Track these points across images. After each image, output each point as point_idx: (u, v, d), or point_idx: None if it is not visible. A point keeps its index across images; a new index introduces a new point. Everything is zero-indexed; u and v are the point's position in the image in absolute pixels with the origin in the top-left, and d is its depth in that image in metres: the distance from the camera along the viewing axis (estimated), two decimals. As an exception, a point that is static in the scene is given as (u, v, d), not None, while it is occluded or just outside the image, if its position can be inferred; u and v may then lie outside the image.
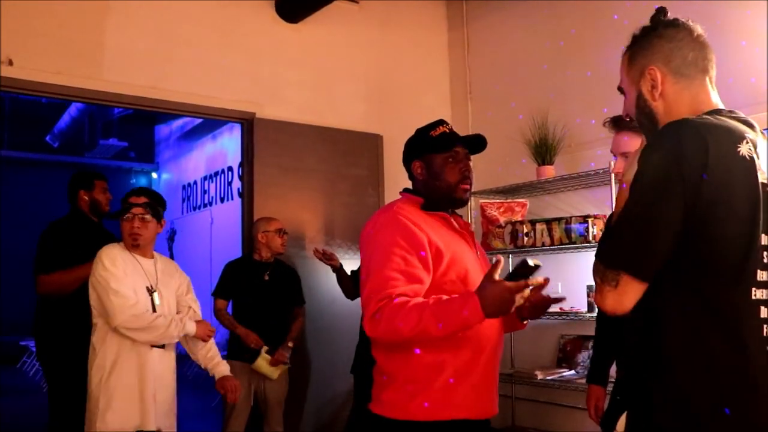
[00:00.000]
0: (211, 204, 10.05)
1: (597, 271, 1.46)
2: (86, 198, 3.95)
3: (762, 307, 1.41)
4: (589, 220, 4.08)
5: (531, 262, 1.80)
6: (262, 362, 4.03)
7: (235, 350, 4.10)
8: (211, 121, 8.89)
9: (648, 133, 1.61)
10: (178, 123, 11.18)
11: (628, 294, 1.41)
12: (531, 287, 1.86)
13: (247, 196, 4.68)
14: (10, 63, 3.80)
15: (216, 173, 9.89)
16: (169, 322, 2.92)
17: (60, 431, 3.65)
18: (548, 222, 4.33)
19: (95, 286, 2.88)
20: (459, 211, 2.27)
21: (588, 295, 4.09)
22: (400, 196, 2.19)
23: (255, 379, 4.10)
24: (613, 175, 3.81)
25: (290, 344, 4.10)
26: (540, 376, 4.33)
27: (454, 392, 1.95)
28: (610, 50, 4.36)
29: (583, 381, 4.13)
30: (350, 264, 4.69)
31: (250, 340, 4.02)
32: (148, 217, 3.07)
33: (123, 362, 2.87)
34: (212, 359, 3.26)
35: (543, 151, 4.59)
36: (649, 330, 1.44)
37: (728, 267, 1.38)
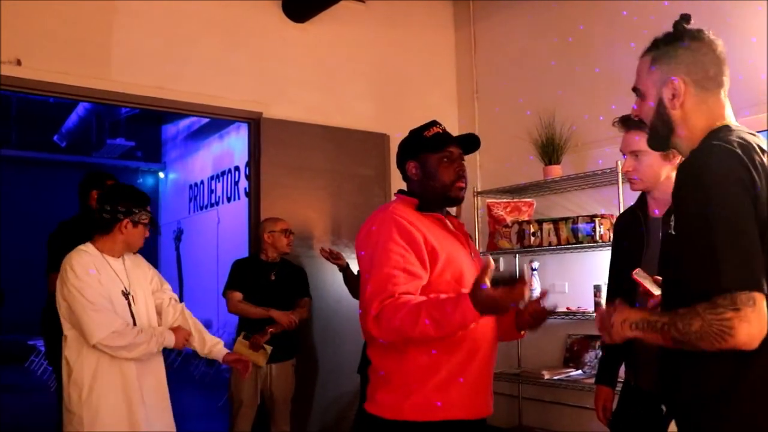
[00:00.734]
0: (217, 203, 10.07)
1: (720, 303, 1.36)
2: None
3: None
4: (596, 220, 4.07)
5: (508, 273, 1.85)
6: (241, 347, 3.98)
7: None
8: (218, 121, 8.90)
9: (659, 137, 1.67)
10: (185, 123, 11.20)
11: (763, 312, 1.37)
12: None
13: (253, 195, 4.69)
14: (19, 63, 3.82)
15: (223, 173, 9.91)
16: (150, 336, 2.77)
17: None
18: (555, 222, 4.32)
19: (66, 297, 2.68)
20: (463, 212, 2.26)
21: (595, 295, 4.07)
22: (395, 198, 2.21)
23: (262, 378, 4.10)
24: (620, 175, 3.80)
25: (270, 329, 4.01)
26: (547, 376, 4.32)
27: (449, 392, 1.95)
28: (618, 46, 4.40)
29: (590, 381, 4.12)
30: (356, 263, 4.70)
31: (287, 320, 4.03)
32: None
33: (103, 376, 2.70)
34: (211, 346, 3.09)
35: (550, 150, 4.58)
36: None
37: None
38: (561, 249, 4.35)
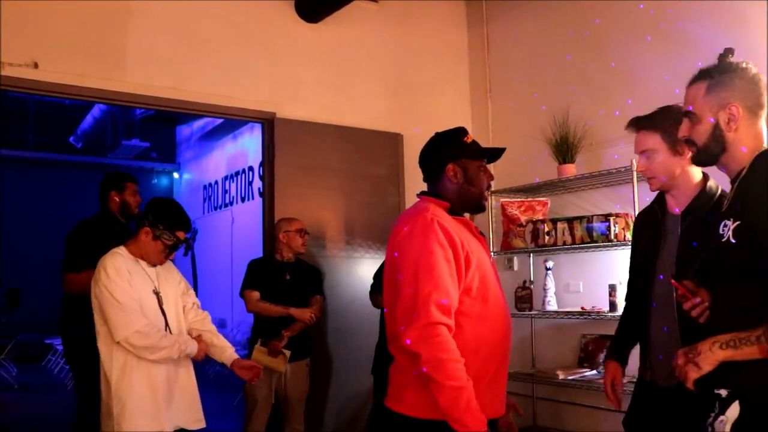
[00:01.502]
0: (231, 204, 10.10)
1: None
2: (117, 199, 4.02)
3: None
4: (611, 219, 4.05)
5: None
6: (259, 355, 4.01)
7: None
8: (231, 121, 8.93)
9: (709, 155, 1.88)
10: (199, 123, 11.24)
11: None
12: None
13: (267, 195, 4.70)
14: (36, 66, 3.85)
15: (237, 173, 9.94)
16: (173, 342, 2.87)
17: (87, 428, 3.70)
18: (570, 221, 4.30)
19: (98, 295, 2.82)
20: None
21: (610, 294, 4.05)
22: (417, 199, 2.21)
23: (276, 378, 4.11)
24: (635, 173, 3.78)
25: (285, 334, 4.04)
26: (561, 376, 4.30)
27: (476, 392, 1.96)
28: (634, 41, 4.36)
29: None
30: (370, 263, 4.71)
31: (307, 316, 4.04)
32: None
33: (131, 371, 2.82)
34: (222, 352, 3.15)
35: (564, 149, 4.56)
36: None
37: None
38: (575, 248, 4.33)
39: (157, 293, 2.95)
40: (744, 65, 1.86)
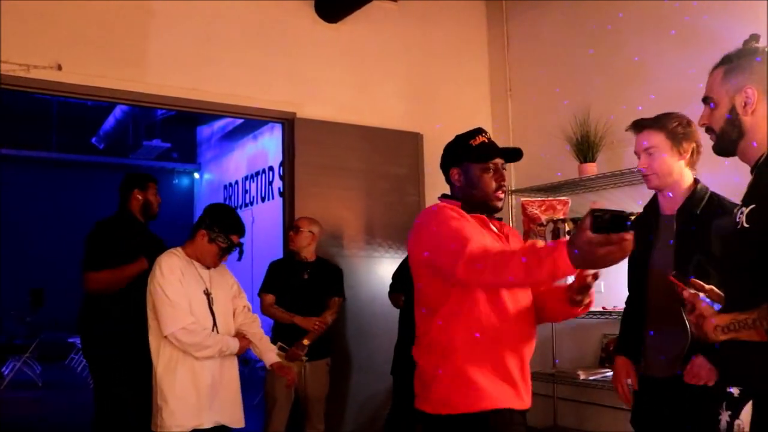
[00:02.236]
0: (252, 203, 10.14)
1: None
2: (140, 198, 4.04)
3: None
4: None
5: (627, 213, 1.60)
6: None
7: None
8: (252, 122, 8.97)
9: (728, 141, 1.83)
10: (219, 124, 11.31)
11: None
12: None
13: (288, 195, 4.72)
14: (59, 68, 3.90)
15: (257, 173, 9.98)
16: (217, 342, 2.99)
17: (105, 426, 3.74)
18: (590, 220, 4.27)
19: (152, 291, 2.95)
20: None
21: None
22: (438, 200, 2.27)
23: (296, 377, 4.12)
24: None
25: (305, 342, 4.04)
26: (582, 376, 4.28)
27: (495, 383, 2.02)
28: (659, 34, 4.32)
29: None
30: (390, 263, 4.71)
31: (310, 325, 4.04)
32: None
33: (177, 365, 2.93)
34: (265, 352, 3.33)
35: (585, 148, 4.53)
36: None
37: None
38: (596, 248, 4.29)
39: (207, 294, 3.07)
40: (764, 48, 1.81)
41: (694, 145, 2.56)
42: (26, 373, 8.95)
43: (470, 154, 2.19)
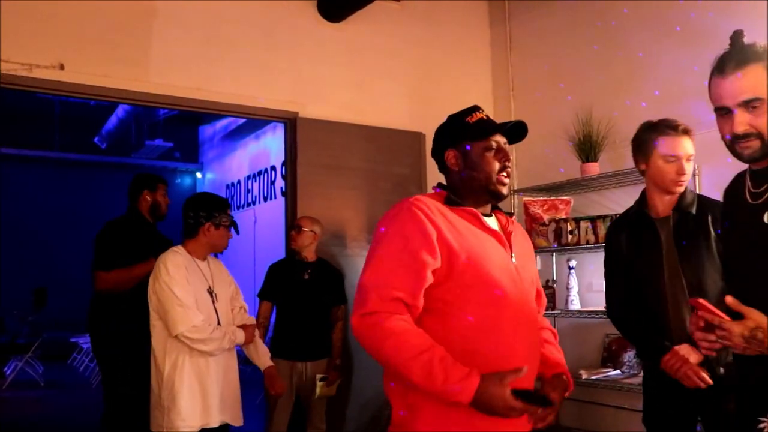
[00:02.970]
0: (254, 203, 10.16)
1: None
2: (149, 198, 4.08)
3: None
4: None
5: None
6: (323, 390, 4.12)
7: (278, 348, 4.13)
8: (254, 121, 8.98)
9: None
10: (221, 123, 11.32)
11: None
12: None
13: (290, 195, 4.72)
14: (62, 67, 3.90)
15: (259, 172, 9.99)
16: (224, 334, 3.02)
17: (116, 423, 3.76)
18: (593, 219, 4.27)
19: (157, 291, 2.94)
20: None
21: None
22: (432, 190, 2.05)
23: (297, 376, 4.13)
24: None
25: (338, 361, 4.14)
26: (584, 376, 4.27)
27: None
28: (663, 31, 4.30)
29: (629, 381, 4.08)
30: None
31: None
32: None
33: (183, 365, 2.95)
34: (260, 354, 3.38)
35: (587, 147, 4.53)
36: None
37: None
38: (599, 247, 4.28)
39: (211, 292, 3.10)
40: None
41: None
42: (28, 373, 8.97)
43: (468, 132, 1.91)
